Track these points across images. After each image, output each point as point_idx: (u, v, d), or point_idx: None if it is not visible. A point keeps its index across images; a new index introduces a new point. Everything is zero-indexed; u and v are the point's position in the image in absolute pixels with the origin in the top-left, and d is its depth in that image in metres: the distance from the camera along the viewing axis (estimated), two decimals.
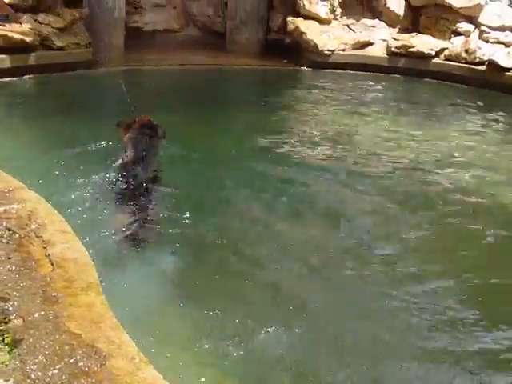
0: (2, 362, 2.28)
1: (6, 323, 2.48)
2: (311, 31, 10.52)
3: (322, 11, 10.78)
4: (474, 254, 5.09)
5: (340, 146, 7.40)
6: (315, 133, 7.84)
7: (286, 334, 3.86)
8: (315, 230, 5.37)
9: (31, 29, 8.85)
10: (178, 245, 4.87)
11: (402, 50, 10.43)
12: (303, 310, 4.20)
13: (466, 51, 10.18)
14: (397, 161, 7.04)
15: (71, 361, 2.29)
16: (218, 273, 4.62)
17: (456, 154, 7.40)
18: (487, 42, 10.42)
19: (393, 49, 10.46)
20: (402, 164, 6.97)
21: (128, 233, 4.83)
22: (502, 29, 10.52)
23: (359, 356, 3.76)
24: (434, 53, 10.40)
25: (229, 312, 4.08)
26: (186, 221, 5.17)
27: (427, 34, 10.77)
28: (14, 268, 2.84)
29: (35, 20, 9.02)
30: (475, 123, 8.65)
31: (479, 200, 6.19)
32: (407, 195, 6.17)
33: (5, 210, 3.28)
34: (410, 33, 10.81)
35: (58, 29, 9.14)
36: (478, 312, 4.25)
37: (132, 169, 5.43)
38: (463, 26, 10.63)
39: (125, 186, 5.31)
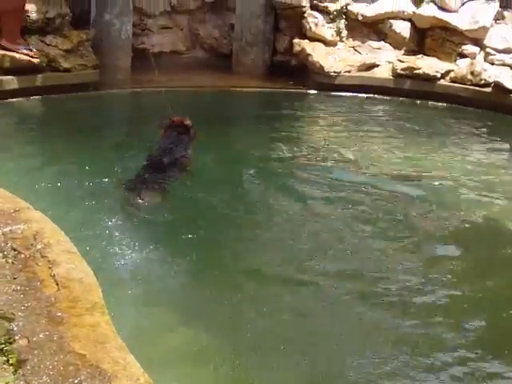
0: (7, 383, 2.28)
1: (10, 343, 2.48)
2: (317, 53, 10.55)
3: (328, 33, 10.82)
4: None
5: (346, 166, 7.43)
6: (321, 153, 7.85)
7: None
8: (325, 251, 5.38)
9: (38, 50, 8.90)
10: (185, 254, 4.91)
11: (407, 72, 10.44)
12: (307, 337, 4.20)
13: (472, 73, 10.20)
14: (403, 182, 7.04)
15: (76, 381, 2.28)
16: (228, 291, 4.62)
17: (462, 177, 7.40)
18: (492, 64, 10.43)
19: (398, 71, 10.48)
20: (408, 185, 6.98)
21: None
22: (507, 51, 10.54)
23: None
24: (439, 75, 10.41)
25: (237, 332, 4.07)
26: (196, 226, 5.24)
27: (433, 56, 10.79)
28: (19, 288, 2.84)
29: (42, 41, 9.08)
30: (481, 145, 8.65)
31: (486, 224, 6.19)
32: (415, 218, 6.17)
33: (10, 230, 3.29)
34: (415, 55, 10.84)
35: (65, 50, 9.18)
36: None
37: (155, 157, 6.22)
38: (469, 48, 10.66)
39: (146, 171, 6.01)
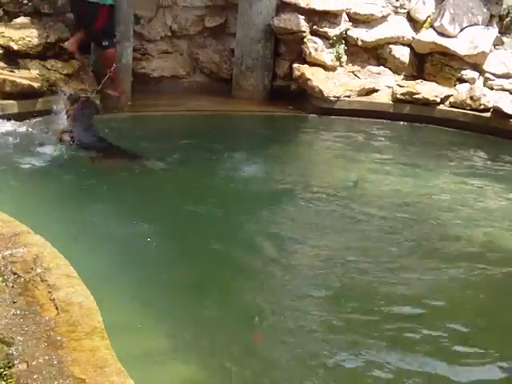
0: None
1: (9, 368, 2.47)
2: (317, 78, 10.58)
3: (328, 58, 10.86)
4: None
5: (343, 190, 7.44)
6: (319, 179, 7.86)
7: None
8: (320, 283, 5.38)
9: (39, 75, 8.93)
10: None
11: (407, 97, 10.47)
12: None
13: (471, 98, 10.23)
14: (401, 209, 7.04)
15: None
16: (231, 315, 4.62)
17: (459, 201, 7.41)
18: (492, 89, 10.47)
19: (398, 95, 10.51)
20: (407, 212, 6.98)
21: None
22: (506, 76, 10.58)
23: None
24: (439, 100, 10.44)
25: (239, 358, 4.06)
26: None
27: (432, 80, 10.84)
28: (18, 312, 2.84)
29: (43, 66, 9.12)
30: (480, 170, 8.66)
31: (484, 249, 6.19)
32: (415, 244, 6.17)
33: (10, 254, 3.29)
34: (415, 80, 10.88)
35: (65, 75, 9.22)
36: None
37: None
38: (468, 73, 10.70)
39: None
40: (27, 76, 8.82)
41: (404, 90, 10.52)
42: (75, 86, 9.21)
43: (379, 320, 4.73)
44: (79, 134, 7.97)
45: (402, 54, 11.08)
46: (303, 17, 10.82)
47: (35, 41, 9.14)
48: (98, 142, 8.05)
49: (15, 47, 9.00)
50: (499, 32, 11.16)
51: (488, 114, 10.11)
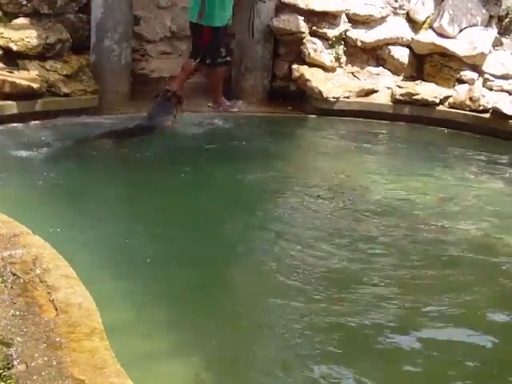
0: None
1: (9, 369, 2.47)
2: (316, 78, 10.58)
3: (327, 59, 10.86)
4: None
5: (346, 193, 7.44)
6: (319, 180, 7.86)
7: None
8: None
9: (38, 75, 8.93)
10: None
11: (406, 98, 10.47)
12: None
13: (470, 99, 10.23)
14: (401, 208, 7.05)
15: None
16: (230, 319, 4.63)
17: (460, 201, 7.41)
18: (491, 90, 10.47)
19: (397, 96, 10.50)
20: (406, 211, 6.98)
21: None
22: (505, 77, 10.58)
23: None
24: (438, 100, 10.44)
25: (235, 363, 4.07)
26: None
27: (431, 81, 10.83)
28: (17, 313, 2.84)
29: (42, 67, 9.11)
30: (479, 170, 8.66)
31: (484, 249, 6.19)
32: (413, 245, 6.18)
33: (10, 255, 3.29)
34: (414, 80, 10.88)
35: (65, 75, 9.22)
36: None
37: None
38: (467, 74, 10.70)
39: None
40: (26, 77, 8.82)
41: (403, 91, 10.52)
42: (74, 86, 9.22)
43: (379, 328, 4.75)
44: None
45: (402, 54, 11.08)
46: (302, 18, 10.82)
47: (34, 42, 9.13)
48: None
49: (14, 48, 8.99)
50: (498, 33, 11.16)
51: (487, 115, 10.12)
